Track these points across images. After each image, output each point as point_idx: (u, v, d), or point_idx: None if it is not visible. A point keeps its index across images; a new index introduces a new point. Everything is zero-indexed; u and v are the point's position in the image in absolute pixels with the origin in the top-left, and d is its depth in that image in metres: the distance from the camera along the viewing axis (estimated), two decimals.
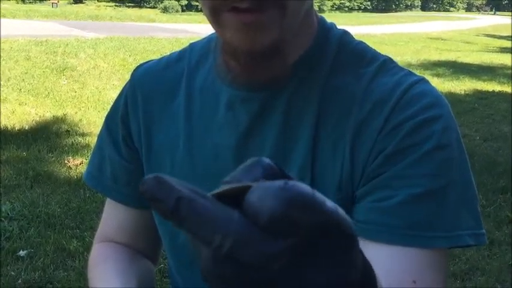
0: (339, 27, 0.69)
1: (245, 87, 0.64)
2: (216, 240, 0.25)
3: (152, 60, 0.77)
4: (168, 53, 0.77)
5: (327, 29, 0.66)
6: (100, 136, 0.79)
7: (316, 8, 0.67)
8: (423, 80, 0.63)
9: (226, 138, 0.66)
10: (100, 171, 0.78)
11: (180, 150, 0.69)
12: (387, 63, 0.65)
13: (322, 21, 0.67)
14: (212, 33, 0.70)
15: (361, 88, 0.62)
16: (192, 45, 0.74)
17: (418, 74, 0.66)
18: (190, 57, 0.72)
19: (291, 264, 0.25)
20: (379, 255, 0.57)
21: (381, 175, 0.59)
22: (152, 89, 0.72)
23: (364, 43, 0.68)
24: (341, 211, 0.26)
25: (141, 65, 0.77)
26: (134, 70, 0.76)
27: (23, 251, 2.52)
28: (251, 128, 0.64)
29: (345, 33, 0.68)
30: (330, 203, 0.26)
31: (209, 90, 0.68)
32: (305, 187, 0.25)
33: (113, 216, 0.81)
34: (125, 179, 0.76)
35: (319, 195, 0.26)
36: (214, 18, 0.56)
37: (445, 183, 0.59)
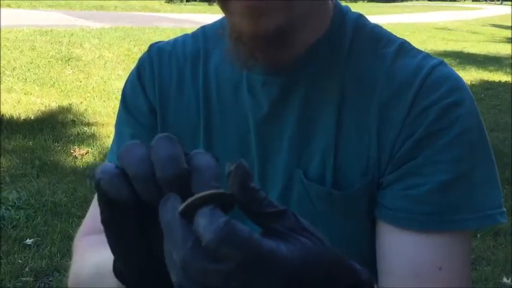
0: None
1: (265, 71, 0.63)
2: (174, 254, 0.33)
3: (167, 40, 0.76)
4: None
5: (344, 13, 0.67)
6: (119, 125, 0.75)
7: None
8: (443, 63, 0.64)
9: (247, 121, 0.66)
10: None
11: (200, 132, 0.68)
12: (405, 45, 0.66)
13: (337, 4, 0.67)
14: (224, 17, 0.69)
15: (383, 69, 0.63)
16: (204, 29, 0.74)
17: None
18: (205, 40, 0.72)
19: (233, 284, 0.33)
20: (407, 243, 0.59)
21: (410, 161, 0.60)
22: (170, 64, 0.71)
23: (380, 26, 0.68)
24: (281, 251, 0.34)
25: (158, 42, 0.76)
26: (151, 44, 0.75)
27: (29, 239, 2.54)
28: (272, 111, 0.64)
29: (360, 16, 0.68)
30: (267, 242, 0.34)
31: (227, 73, 0.68)
32: (244, 228, 0.33)
33: None
34: None
35: (255, 235, 0.33)
36: (223, 5, 0.57)
37: (472, 165, 0.60)
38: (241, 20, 0.55)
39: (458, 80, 0.63)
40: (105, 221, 0.41)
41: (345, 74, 0.63)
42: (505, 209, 0.62)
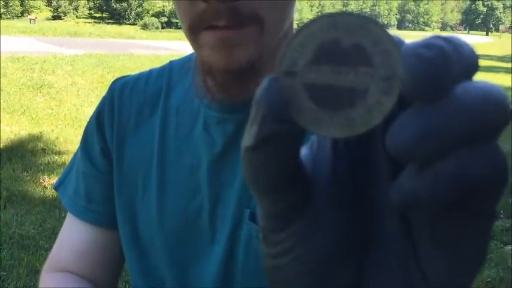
0: None
1: (222, 108, 0.62)
2: None
3: (131, 75, 0.76)
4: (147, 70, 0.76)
5: None
6: (76, 156, 0.77)
7: (295, 26, 0.65)
8: None
9: (200, 159, 0.64)
10: (75, 193, 0.76)
11: (154, 168, 0.67)
12: None
13: None
14: (192, 53, 0.69)
15: None
16: (171, 63, 0.73)
17: None
18: (170, 75, 0.71)
19: None
20: None
21: None
22: (130, 101, 0.71)
23: None
24: None
25: (121, 77, 0.76)
26: (114, 81, 0.75)
27: None
28: (226, 149, 0.63)
29: None
30: None
31: (186, 109, 0.67)
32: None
33: (74, 239, 0.76)
34: (100, 195, 0.73)
35: None
36: (193, 38, 0.55)
37: None
38: (213, 52, 0.53)
39: None
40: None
41: None
42: None
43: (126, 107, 0.71)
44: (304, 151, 0.26)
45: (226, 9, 0.51)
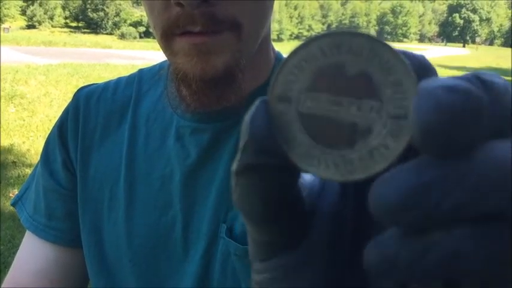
0: None
1: (197, 117, 0.59)
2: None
3: (98, 83, 0.72)
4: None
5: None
6: (36, 169, 0.73)
7: (274, 36, 0.61)
8: None
9: (173, 171, 0.61)
10: (35, 210, 0.71)
11: (121, 182, 0.63)
12: None
13: (279, 55, 0.65)
14: (163, 61, 0.67)
15: None
16: (141, 71, 0.70)
17: None
18: (139, 84, 0.68)
19: None
20: None
21: None
22: (97, 110, 0.67)
23: None
24: None
25: (86, 85, 0.72)
26: (79, 89, 0.70)
27: None
28: (200, 160, 0.60)
29: None
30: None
31: (157, 119, 0.64)
32: None
33: (33, 260, 0.71)
34: (62, 211, 0.69)
35: None
36: (166, 44, 0.52)
37: None
38: (188, 59, 0.50)
39: None
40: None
41: None
42: None
43: (92, 116, 0.67)
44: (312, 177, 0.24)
45: (202, 14, 0.48)
